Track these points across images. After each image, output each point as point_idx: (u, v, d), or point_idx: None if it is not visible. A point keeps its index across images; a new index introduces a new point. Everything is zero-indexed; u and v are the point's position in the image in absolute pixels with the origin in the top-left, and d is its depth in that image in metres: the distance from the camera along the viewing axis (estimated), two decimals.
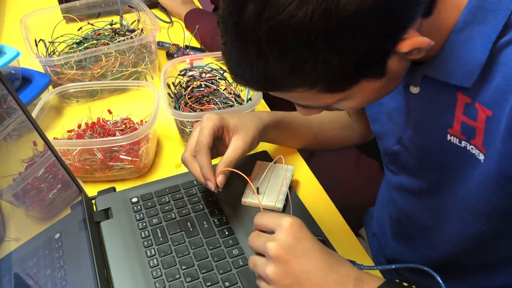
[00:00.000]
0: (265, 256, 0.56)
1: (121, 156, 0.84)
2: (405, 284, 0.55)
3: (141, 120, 0.95)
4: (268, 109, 1.04)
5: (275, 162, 0.83)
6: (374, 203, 1.11)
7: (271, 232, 0.57)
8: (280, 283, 0.54)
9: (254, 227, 0.60)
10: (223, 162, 0.71)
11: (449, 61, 0.57)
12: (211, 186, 0.70)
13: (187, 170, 0.84)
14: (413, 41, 0.49)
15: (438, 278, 0.56)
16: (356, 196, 1.26)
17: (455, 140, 0.62)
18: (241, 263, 0.69)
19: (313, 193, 0.83)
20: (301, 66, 0.48)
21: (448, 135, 0.62)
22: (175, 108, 0.92)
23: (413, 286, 0.54)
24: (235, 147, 0.73)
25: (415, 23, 0.50)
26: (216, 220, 0.75)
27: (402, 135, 0.71)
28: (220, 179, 0.70)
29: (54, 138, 0.89)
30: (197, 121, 0.85)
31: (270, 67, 0.49)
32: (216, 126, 0.72)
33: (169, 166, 0.90)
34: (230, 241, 0.72)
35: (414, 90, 0.64)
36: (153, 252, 0.71)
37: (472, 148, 0.60)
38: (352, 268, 0.56)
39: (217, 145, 0.75)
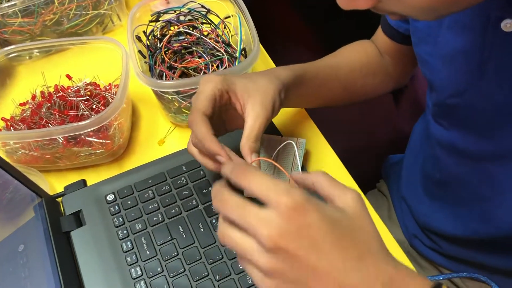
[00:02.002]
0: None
1: (88, 139, 0.67)
2: None
3: (110, 84, 0.76)
4: (272, 63, 0.84)
5: (282, 136, 0.66)
6: (392, 149, 0.97)
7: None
8: (283, 278, 0.36)
9: (245, 192, 0.39)
10: (247, 137, 0.52)
11: None
12: (222, 160, 0.50)
13: (173, 150, 0.69)
14: None
15: None
16: (369, 141, 1.11)
17: None
18: (249, 282, 0.55)
19: (329, 169, 0.68)
20: None
21: None
22: (150, 69, 0.73)
23: None
24: (255, 115, 0.53)
25: None
26: (214, 221, 0.60)
27: (469, 86, 0.55)
28: (255, 161, 0.51)
29: (2, 119, 0.71)
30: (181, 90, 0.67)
31: None
32: (218, 89, 0.53)
33: (150, 143, 0.73)
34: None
35: (508, 27, 0.48)
36: (139, 273, 0.57)
37: None
38: (384, 265, 0.37)
39: (224, 118, 0.57)
